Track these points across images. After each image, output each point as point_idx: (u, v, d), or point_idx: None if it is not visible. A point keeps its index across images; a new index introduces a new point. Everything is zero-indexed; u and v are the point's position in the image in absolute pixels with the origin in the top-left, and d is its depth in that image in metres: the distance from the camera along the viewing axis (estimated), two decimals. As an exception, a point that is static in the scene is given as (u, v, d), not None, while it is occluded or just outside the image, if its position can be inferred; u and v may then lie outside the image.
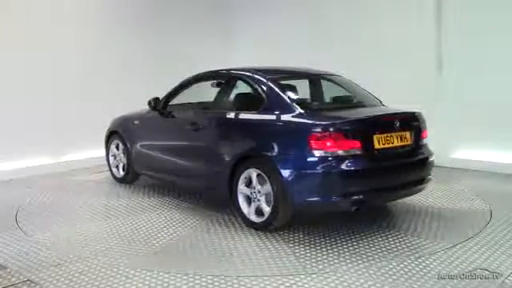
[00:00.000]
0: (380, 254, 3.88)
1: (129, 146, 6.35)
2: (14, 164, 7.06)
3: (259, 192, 4.44)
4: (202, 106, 5.66)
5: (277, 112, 4.54)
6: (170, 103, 5.86)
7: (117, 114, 7.59)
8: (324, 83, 5.53)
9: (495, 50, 6.89)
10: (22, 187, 6.47)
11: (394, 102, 7.99)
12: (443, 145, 7.53)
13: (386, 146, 4.34)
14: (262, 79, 4.90)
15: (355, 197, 4.12)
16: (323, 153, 4.08)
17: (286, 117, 4.45)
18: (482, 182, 6.41)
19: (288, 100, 4.60)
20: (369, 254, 3.90)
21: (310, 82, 5.54)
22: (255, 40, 9.85)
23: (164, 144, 5.82)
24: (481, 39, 7.02)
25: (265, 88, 4.80)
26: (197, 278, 3.44)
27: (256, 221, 4.50)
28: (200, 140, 5.19)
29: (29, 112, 7.16)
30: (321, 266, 3.65)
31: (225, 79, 5.39)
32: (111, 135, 6.75)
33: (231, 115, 5.01)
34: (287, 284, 3.34)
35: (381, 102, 5.29)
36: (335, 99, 5.24)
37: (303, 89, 5.30)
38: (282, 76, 5.32)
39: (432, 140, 7.48)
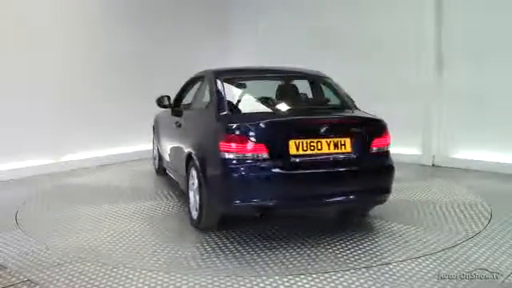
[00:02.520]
0: (380, 254, 3.87)
1: (156, 140, 6.94)
2: (14, 164, 7.05)
3: (197, 190, 4.49)
4: (185, 106, 5.76)
5: (209, 112, 4.54)
6: (182, 102, 5.93)
7: (117, 115, 7.64)
8: (296, 84, 5.28)
9: (495, 50, 6.90)
10: (22, 187, 6.47)
11: (394, 102, 8.03)
12: (443, 145, 7.56)
13: (309, 152, 3.99)
14: (214, 79, 4.80)
15: (258, 202, 3.95)
16: (229, 155, 3.95)
17: (211, 117, 4.41)
18: (482, 181, 6.40)
19: (222, 101, 4.52)
20: (368, 253, 3.90)
21: (284, 83, 5.29)
22: (255, 39, 9.85)
23: (169, 142, 6.02)
24: (481, 39, 7.02)
25: (213, 88, 4.76)
26: (196, 279, 3.44)
27: (193, 218, 4.56)
28: (178, 139, 5.38)
29: (29, 112, 7.16)
30: (321, 267, 3.65)
31: (200, 79, 5.48)
32: (153, 129, 7.31)
33: (191, 114, 5.19)
34: (287, 284, 3.34)
35: (353, 105, 4.81)
36: (288, 101, 4.90)
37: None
38: (243, 76, 5.24)
39: (432, 140, 7.59)
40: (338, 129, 4.17)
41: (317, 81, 5.31)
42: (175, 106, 5.81)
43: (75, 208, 5.41)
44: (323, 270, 3.56)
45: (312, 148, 4.00)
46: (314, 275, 3.48)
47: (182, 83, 6.00)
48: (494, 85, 6.95)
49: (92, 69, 8.03)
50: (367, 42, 8.26)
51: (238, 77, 5.22)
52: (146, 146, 8.27)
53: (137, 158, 8.44)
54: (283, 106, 4.74)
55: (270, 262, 3.75)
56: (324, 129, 4.07)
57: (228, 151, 3.96)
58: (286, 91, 5.11)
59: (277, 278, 3.44)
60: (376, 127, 4.34)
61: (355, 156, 4.13)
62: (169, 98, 5.88)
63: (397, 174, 6.85)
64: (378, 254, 3.89)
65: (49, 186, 6.58)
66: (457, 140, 7.40)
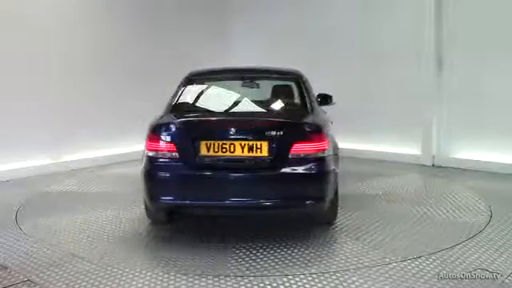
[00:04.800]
0: (380, 254, 3.87)
1: None
2: (14, 164, 7.04)
3: None
4: None
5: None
6: None
7: (117, 115, 7.57)
8: (265, 85, 5.30)
9: (495, 50, 6.90)
10: (22, 187, 6.46)
11: (394, 102, 8.04)
12: (443, 145, 7.56)
13: (220, 154, 3.97)
14: (182, 80, 4.95)
15: (172, 201, 4.09)
16: (150, 154, 4.12)
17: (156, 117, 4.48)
18: (482, 181, 6.41)
19: (172, 101, 4.69)
20: (369, 254, 3.90)
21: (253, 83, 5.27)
22: (254, 40, 9.85)
23: None
24: (481, 39, 7.03)
25: (176, 89, 4.90)
26: (196, 278, 3.44)
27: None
28: None
29: (29, 112, 7.15)
30: (322, 267, 3.65)
31: None
32: None
33: None
34: (287, 284, 3.34)
35: (311, 109, 4.63)
36: (239, 102, 4.81)
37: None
38: (215, 77, 5.23)
39: (432, 140, 7.59)
40: (255, 132, 4.05)
41: (285, 81, 5.22)
42: None
43: (75, 208, 5.40)
44: (323, 270, 3.57)
45: (224, 150, 3.96)
46: (314, 275, 3.48)
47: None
48: (493, 85, 6.96)
49: (92, 68, 8.02)
50: (367, 42, 8.26)
51: (209, 77, 5.22)
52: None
53: (136, 159, 8.43)
54: (226, 107, 4.62)
55: (266, 261, 3.75)
56: (239, 131, 4.01)
57: (149, 150, 4.13)
58: (249, 92, 5.08)
59: (277, 277, 3.44)
60: (302, 132, 4.10)
61: (272, 160, 3.97)
62: None
63: (397, 174, 6.94)
64: (377, 253, 3.88)
65: (48, 186, 6.57)
66: (457, 140, 7.40)
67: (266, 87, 5.34)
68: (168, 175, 4.06)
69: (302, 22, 9.03)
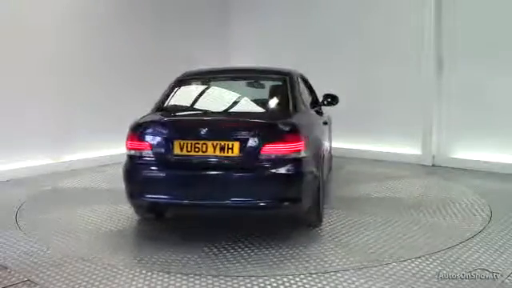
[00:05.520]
0: (380, 254, 3.87)
1: None
2: (14, 164, 7.03)
3: None
4: None
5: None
6: None
7: (117, 115, 7.51)
8: (253, 85, 5.31)
9: (495, 50, 6.91)
10: (22, 187, 6.46)
11: (394, 102, 8.04)
12: (443, 145, 7.57)
13: (193, 153, 4.01)
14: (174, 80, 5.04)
15: (148, 199, 4.20)
16: (129, 153, 4.25)
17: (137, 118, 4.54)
18: (482, 181, 6.41)
19: (158, 101, 4.78)
20: (368, 254, 3.89)
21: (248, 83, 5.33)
22: (254, 40, 9.84)
23: None
24: (481, 39, 7.03)
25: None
26: (197, 278, 3.44)
27: None
28: None
29: (28, 113, 7.14)
30: (322, 266, 3.65)
31: None
32: None
33: None
34: (287, 284, 3.34)
35: (293, 111, 4.52)
36: (222, 102, 4.94)
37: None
38: (206, 77, 5.25)
39: (432, 140, 7.59)
40: (226, 132, 4.08)
41: (273, 81, 5.15)
42: None
43: (75, 208, 5.40)
44: (324, 270, 3.57)
45: (196, 150, 4.00)
46: (314, 275, 3.48)
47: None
48: (493, 85, 6.96)
49: (92, 68, 8.01)
50: (367, 43, 8.26)
51: (198, 78, 5.25)
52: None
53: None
54: (207, 108, 4.76)
55: (260, 261, 3.75)
56: (210, 131, 4.08)
57: (128, 149, 4.25)
58: (240, 92, 5.10)
59: (277, 277, 3.44)
60: (274, 132, 4.03)
61: (243, 161, 3.95)
62: None
63: (397, 174, 6.94)
64: (377, 253, 3.89)
65: (48, 186, 6.57)
66: (457, 140, 7.40)
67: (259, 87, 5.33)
68: (143, 174, 4.16)
69: (301, 23, 9.03)
